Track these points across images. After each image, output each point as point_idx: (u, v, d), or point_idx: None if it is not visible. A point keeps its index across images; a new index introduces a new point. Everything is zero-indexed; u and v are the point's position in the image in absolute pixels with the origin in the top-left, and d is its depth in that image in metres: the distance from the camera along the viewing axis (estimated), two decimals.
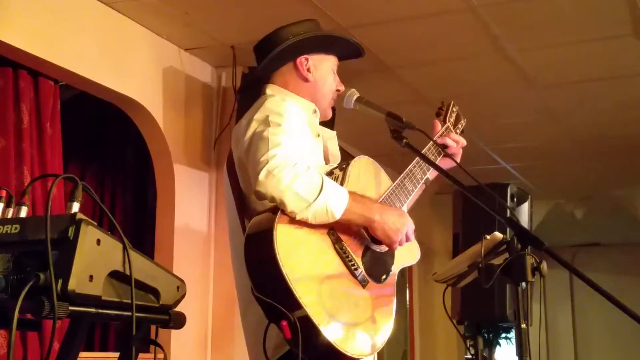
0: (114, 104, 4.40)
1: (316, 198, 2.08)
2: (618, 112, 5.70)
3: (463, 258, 2.37)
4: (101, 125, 5.18)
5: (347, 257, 2.19)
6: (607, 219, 8.61)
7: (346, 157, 2.53)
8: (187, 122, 4.68)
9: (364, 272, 2.23)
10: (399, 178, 2.51)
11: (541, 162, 7.17)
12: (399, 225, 2.27)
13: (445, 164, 2.67)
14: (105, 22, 4.09)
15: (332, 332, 2.04)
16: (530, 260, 2.03)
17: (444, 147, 2.62)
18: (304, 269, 2.06)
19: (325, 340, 2.02)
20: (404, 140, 2.37)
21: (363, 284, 2.21)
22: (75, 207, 1.70)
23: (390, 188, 2.45)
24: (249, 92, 2.61)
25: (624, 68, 4.90)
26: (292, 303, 2.00)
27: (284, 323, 1.98)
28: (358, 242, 2.27)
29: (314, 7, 3.95)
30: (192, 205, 4.66)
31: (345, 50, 2.66)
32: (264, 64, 2.52)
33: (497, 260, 2.20)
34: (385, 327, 2.25)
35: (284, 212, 2.07)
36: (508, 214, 2.36)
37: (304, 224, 2.10)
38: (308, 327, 1.99)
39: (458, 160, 2.65)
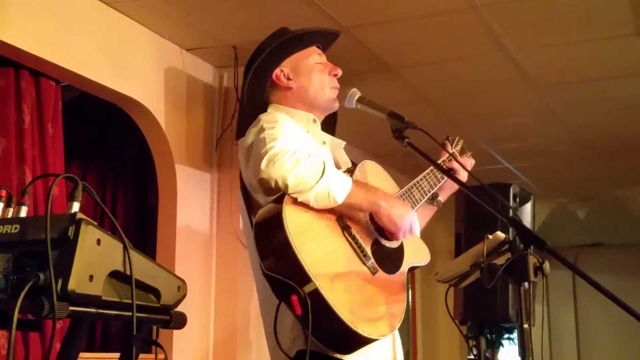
0: (115, 105, 4.39)
1: (318, 181, 2.12)
2: (620, 111, 5.69)
3: (465, 258, 2.36)
4: (103, 125, 5.17)
5: (357, 243, 2.20)
6: (610, 219, 8.60)
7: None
8: (189, 122, 4.68)
9: (373, 261, 2.23)
10: (406, 187, 2.55)
11: (543, 162, 7.15)
12: (403, 213, 2.29)
13: (451, 186, 2.73)
14: (107, 23, 4.09)
15: (343, 309, 2.01)
16: (532, 260, 2.02)
17: (450, 170, 2.66)
18: (313, 247, 2.07)
19: (337, 316, 2.00)
20: (406, 140, 2.37)
21: (373, 271, 2.21)
22: (76, 206, 1.70)
23: (398, 193, 2.49)
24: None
25: (626, 68, 4.89)
26: (302, 277, 1.99)
27: (294, 297, 1.97)
28: (367, 234, 2.28)
29: (315, 7, 3.93)
30: (193, 205, 4.65)
31: (320, 38, 2.65)
32: (244, 103, 2.58)
33: (500, 260, 2.19)
34: (398, 312, 2.25)
35: (289, 196, 2.10)
36: (510, 214, 2.34)
37: (311, 208, 2.13)
38: (318, 302, 1.98)
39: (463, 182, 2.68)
